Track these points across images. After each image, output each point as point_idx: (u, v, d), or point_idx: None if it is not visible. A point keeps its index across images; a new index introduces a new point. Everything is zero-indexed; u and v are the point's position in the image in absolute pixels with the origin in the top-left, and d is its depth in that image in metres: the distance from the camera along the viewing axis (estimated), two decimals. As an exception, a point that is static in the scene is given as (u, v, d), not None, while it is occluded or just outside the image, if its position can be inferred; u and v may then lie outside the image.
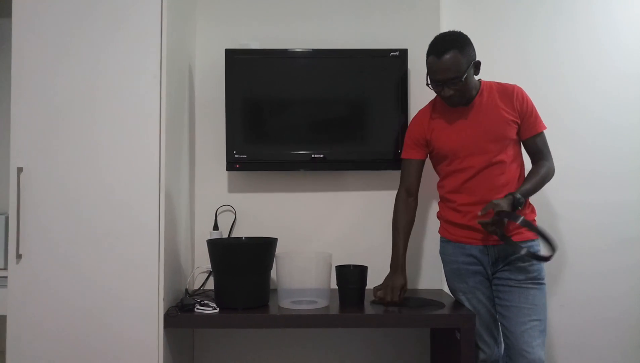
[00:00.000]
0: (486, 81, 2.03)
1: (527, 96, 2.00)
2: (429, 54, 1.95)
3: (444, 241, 2.13)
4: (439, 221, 2.17)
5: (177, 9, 2.06)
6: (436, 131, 2.04)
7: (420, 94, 2.31)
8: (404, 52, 2.30)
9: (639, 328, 2.43)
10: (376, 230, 2.39)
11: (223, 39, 2.39)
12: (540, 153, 2.01)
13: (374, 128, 2.31)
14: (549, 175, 2.00)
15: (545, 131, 2.00)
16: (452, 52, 1.88)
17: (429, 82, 1.96)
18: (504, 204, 1.83)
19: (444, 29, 2.05)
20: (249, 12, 2.42)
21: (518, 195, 1.87)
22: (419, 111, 2.14)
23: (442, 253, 2.14)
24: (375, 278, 2.20)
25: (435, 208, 2.35)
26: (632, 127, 2.46)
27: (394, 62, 2.30)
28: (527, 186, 1.93)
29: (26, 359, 1.80)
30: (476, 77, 1.99)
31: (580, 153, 2.44)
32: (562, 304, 2.41)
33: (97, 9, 1.85)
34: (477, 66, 1.96)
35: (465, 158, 1.99)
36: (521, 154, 2.04)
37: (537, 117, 2.00)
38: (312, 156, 2.29)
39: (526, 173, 2.03)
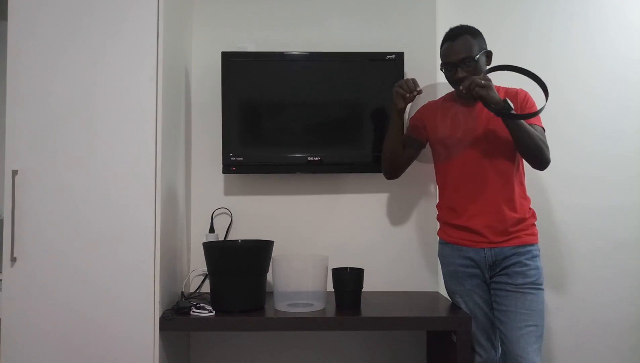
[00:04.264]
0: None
1: (530, 97, 2.01)
2: (443, 42, 2.04)
3: (442, 243, 2.13)
4: (437, 224, 2.18)
5: (174, 12, 2.06)
6: (435, 119, 2.10)
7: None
8: (400, 56, 2.31)
9: (636, 331, 2.44)
10: (372, 232, 2.40)
11: (219, 41, 2.39)
12: None
13: (370, 131, 2.31)
14: (543, 144, 1.89)
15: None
16: (464, 35, 1.98)
17: (443, 69, 2.03)
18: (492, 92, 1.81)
19: (440, 33, 2.08)
20: (246, 15, 2.43)
21: (509, 101, 1.82)
22: (429, 101, 2.22)
23: (440, 255, 2.15)
24: (371, 280, 2.21)
25: (431, 211, 2.35)
26: (628, 132, 2.47)
27: (390, 65, 2.30)
28: (519, 118, 1.85)
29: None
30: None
31: (576, 157, 2.45)
32: (558, 307, 2.41)
33: (94, 12, 1.85)
34: (488, 55, 2.03)
35: (460, 153, 2.01)
36: (521, 158, 2.02)
37: (534, 111, 1.95)
38: (309, 158, 2.29)
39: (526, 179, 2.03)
